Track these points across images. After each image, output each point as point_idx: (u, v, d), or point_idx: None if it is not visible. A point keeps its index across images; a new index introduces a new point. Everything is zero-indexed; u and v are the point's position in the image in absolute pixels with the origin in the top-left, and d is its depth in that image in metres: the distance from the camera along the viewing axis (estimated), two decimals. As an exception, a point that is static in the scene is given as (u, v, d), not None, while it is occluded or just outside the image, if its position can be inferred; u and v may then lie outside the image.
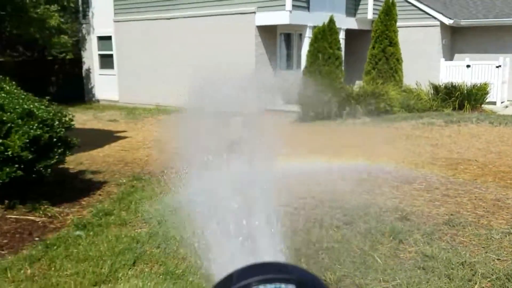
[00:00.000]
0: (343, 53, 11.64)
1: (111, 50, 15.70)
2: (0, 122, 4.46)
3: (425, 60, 14.30)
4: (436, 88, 12.40)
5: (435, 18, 14.69)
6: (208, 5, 13.22)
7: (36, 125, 4.51)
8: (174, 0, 13.88)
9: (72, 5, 17.08)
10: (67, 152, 4.97)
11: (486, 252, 3.62)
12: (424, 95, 12.28)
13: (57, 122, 4.79)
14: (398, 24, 13.01)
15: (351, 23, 14.56)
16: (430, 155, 7.10)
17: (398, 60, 12.76)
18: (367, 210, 4.61)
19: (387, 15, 12.71)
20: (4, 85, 5.24)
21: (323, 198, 5.05)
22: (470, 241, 3.85)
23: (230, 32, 12.77)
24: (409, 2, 15.05)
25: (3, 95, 4.87)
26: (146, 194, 4.98)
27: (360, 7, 14.90)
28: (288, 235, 4.03)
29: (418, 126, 9.71)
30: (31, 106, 4.69)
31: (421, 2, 14.98)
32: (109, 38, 15.70)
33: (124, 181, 5.59)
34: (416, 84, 12.74)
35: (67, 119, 5.04)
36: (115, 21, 15.35)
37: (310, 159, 6.94)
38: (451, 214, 4.46)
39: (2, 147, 4.34)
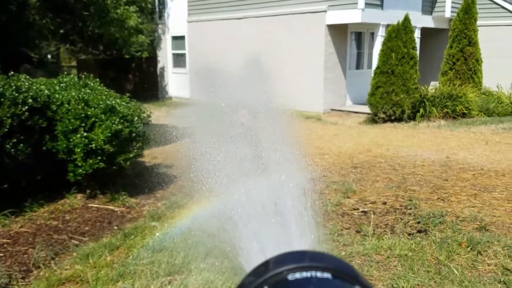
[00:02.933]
0: (418, 52, 11.18)
1: (184, 49, 16.24)
2: (85, 117, 4.77)
3: (507, 61, 13.38)
4: (519, 91, 11.57)
5: (520, 16, 13.70)
6: (279, 4, 13.25)
7: (117, 120, 4.77)
8: (245, 0, 14.07)
9: (149, 6, 17.85)
10: (144, 147, 5.22)
11: None
12: (506, 98, 11.49)
13: (136, 118, 5.04)
14: (478, 22, 12.28)
15: (427, 22, 13.96)
16: (512, 162, 6.64)
17: (478, 61, 12.05)
18: (443, 219, 4.41)
19: (467, 13, 12.04)
20: (89, 82, 5.60)
21: (394, 204, 4.90)
22: None
23: (300, 31, 12.72)
24: (491, 0, 14.15)
25: (87, 91, 5.20)
26: (216, 190, 5.09)
27: (437, 5, 14.24)
28: (358, 240, 3.95)
29: (498, 131, 9.12)
30: (113, 102, 4.97)
31: (503, 0, 14.04)
32: (182, 38, 16.25)
33: (195, 176, 5.75)
34: (497, 86, 11.96)
35: (145, 115, 5.28)
36: (188, 22, 15.85)
37: (377, 158, 6.76)
38: (539, 227, 4.15)
39: (86, 140, 4.64)
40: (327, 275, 0.44)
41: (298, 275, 0.44)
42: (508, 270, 3.37)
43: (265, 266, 0.47)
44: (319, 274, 0.44)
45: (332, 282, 0.44)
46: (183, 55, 16.35)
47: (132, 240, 3.95)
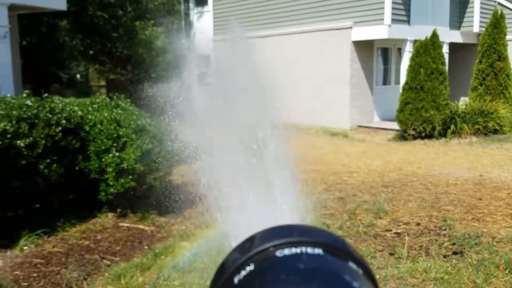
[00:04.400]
0: (447, 68, 11.02)
1: (209, 68, 16.45)
2: (117, 137, 4.85)
3: (540, 75, 13.01)
4: (553, 106, 11.22)
5: (552, 29, 13.36)
6: (304, 22, 13.32)
7: (148, 139, 4.83)
8: (270, 18, 14.21)
9: (176, 26, 18.26)
10: (173, 165, 5.26)
11: None
12: (540, 113, 11.15)
13: (165, 137, 5.09)
14: (508, 37, 12.05)
15: (456, 37, 13.78)
16: (550, 180, 6.40)
17: (508, 76, 11.78)
18: (479, 240, 4.26)
19: (495, 27, 11.83)
20: (120, 102, 5.71)
21: (428, 225, 4.77)
22: None
23: (326, 47, 12.73)
24: (522, 13, 13.89)
25: (119, 111, 5.30)
26: (242, 209, 5.08)
27: (465, 19, 14.06)
28: (392, 263, 3.85)
29: (534, 147, 8.84)
30: (144, 122, 5.05)
31: (536, 12, 13.75)
32: (207, 57, 16.48)
33: (221, 194, 5.76)
34: (530, 101, 11.63)
35: (173, 135, 5.33)
36: (214, 41, 16.09)
37: (408, 179, 6.61)
38: None
39: (118, 160, 4.71)
40: (318, 250, 0.40)
41: (287, 251, 0.40)
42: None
43: (250, 241, 0.42)
44: (309, 250, 0.40)
45: (324, 257, 0.40)
46: (207, 74, 16.56)
47: (162, 260, 3.96)
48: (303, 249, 0.41)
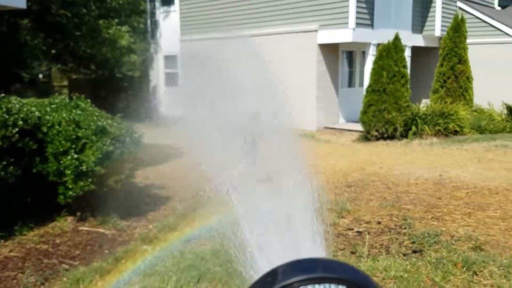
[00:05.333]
0: (409, 70, 11.30)
1: (176, 68, 16.31)
2: (76, 138, 4.72)
3: (498, 79, 13.55)
4: (510, 108, 11.70)
5: (508, 34, 13.93)
6: (271, 24, 13.38)
7: (108, 141, 4.72)
8: (238, 19, 14.20)
9: (141, 26, 17.99)
10: (136, 167, 5.16)
11: None
12: (497, 115, 11.61)
13: (128, 139, 4.99)
14: (468, 41, 12.48)
15: (418, 40, 14.15)
16: (505, 180, 6.65)
17: (468, 79, 12.20)
18: (438, 238, 4.38)
19: (456, 31, 12.24)
20: (80, 103, 5.56)
21: (389, 224, 4.86)
22: (557, 278, 3.53)
23: (293, 50, 12.83)
24: (480, 19, 14.42)
25: (78, 112, 5.16)
26: (209, 211, 5.04)
27: (427, 23, 14.46)
28: (353, 261, 3.91)
29: (491, 148, 9.17)
30: (105, 123, 4.93)
31: (492, 18, 14.30)
32: (174, 57, 16.33)
33: (188, 196, 5.70)
34: (488, 104, 12.08)
35: (137, 135, 5.24)
36: (181, 41, 15.94)
37: (370, 177, 6.74)
38: (533, 246, 4.13)
39: (77, 162, 4.58)
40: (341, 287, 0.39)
41: None
42: (505, 291, 3.33)
43: (272, 276, 0.41)
44: (333, 287, 0.39)
45: None
46: (175, 74, 16.41)
47: (123, 264, 3.87)
48: (327, 286, 0.39)
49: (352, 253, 4.11)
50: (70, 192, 4.62)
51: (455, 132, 10.54)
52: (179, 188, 6.15)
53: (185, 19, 15.83)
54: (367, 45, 12.45)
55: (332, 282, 0.39)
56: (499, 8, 17.22)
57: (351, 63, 13.72)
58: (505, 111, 11.75)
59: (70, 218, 4.94)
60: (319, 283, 0.39)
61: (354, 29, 11.77)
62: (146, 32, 17.67)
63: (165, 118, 16.58)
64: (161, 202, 5.62)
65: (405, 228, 4.67)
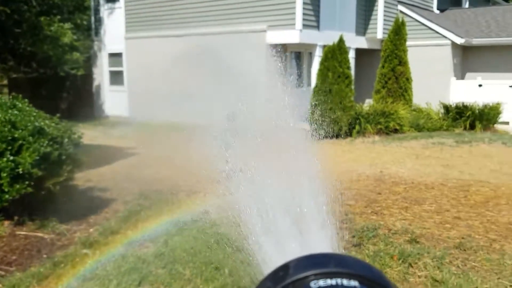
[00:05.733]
0: (353, 71, 11.66)
1: (122, 66, 15.93)
2: (11, 139, 4.51)
3: (435, 79, 14.26)
4: (446, 108, 12.34)
5: (445, 37, 14.69)
6: (219, 23, 13.37)
7: (46, 142, 4.55)
8: (185, 18, 14.07)
9: (85, 23, 17.41)
10: (76, 169, 5.00)
11: (498, 278, 3.54)
12: (434, 114, 12.22)
13: (66, 140, 4.83)
14: (408, 43, 13.04)
15: (361, 42, 14.62)
16: (441, 175, 7.02)
17: (408, 79, 12.75)
18: (376, 232, 4.55)
19: (397, 34, 12.76)
20: (17, 103, 5.31)
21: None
22: (482, 266, 3.77)
23: (242, 50, 12.86)
24: (419, 22, 15.10)
25: (15, 112, 4.93)
26: (153, 213, 4.97)
27: (370, 26, 14.98)
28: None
29: (428, 145, 9.64)
30: (42, 123, 4.74)
31: (431, 21, 15.02)
32: (119, 55, 15.94)
33: (131, 199, 5.59)
34: (426, 103, 12.69)
35: (76, 136, 5.08)
36: (126, 38, 15.58)
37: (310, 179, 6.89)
38: (462, 238, 4.38)
39: (13, 164, 4.38)
40: (354, 283, 0.39)
41: (322, 283, 0.39)
42: (437, 281, 3.52)
43: (284, 270, 0.41)
44: (345, 282, 0.39)
45: None
46: (120, 72, 16.02)
47: (62, 268, 3.75)
48: (339, 280, 0.39)
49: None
50: (6, 196, 4.41)
51: (396, 131, 11.00)
52: (122, 190, 6.02)
53: (130, 16, 15.50)
54: (313, 46, 12.72)
55: (344, 276, 0.40)
56: (437, 12, 18.12)
57: (299, 64, 13.97)
58: (442, 110, 12.38)
59: (6, 223, 4.72)
60: (331, 277, 0.39)
61: (301, 30, 12.00)
62: (90, 29, 17.13)
63: (109, 118, 16.15)
64: (103, 204, 5.48)
65: (346, 223, 4.82)
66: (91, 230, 4.68)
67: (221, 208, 5.13)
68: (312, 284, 0.39)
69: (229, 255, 3.68)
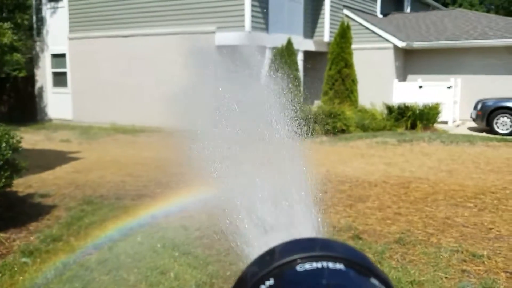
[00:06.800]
0: (301, 74, 11.89)
1: (65, 68, 15.39)
2: None
3: (379, 81, 14.81)
4: (389, 108, 12.84)
5: (388, 41, 15.29)
6: (166, 24, 13.21)
7: (-20, 147, 4.31)
8: (131, 18, 13.79)
9: (26, 22, 16.66)
10: (15, 176, 4.78)
11: (434, 271, 3.72)
12: (379, 115, 12.68)
13: (4, 144, 4.61)
14: (353, 46, 13.46)
15: (309, 45, 14.92)
16: (383, 173, 7.29)
17: (354, 81, 13.16)
18: (321, 229, 4.66)
19: (343, 37, 13.13)
20: None
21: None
22: (420, 259, 3.95)
23: (191, 51, 12.78)
24: (364, 26, 15.62)
25: None
26: (96, 219, 4.84)
27: (317, 29, 15.32)
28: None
29: (373, 145, 9.98)
30: (-24, 127, 4.50)
31: (375, 25, 15.58)
32: (63, 55, 15.39)
33: (74, 205, 5.41)
34: (371, 104, 13.15)
35: (14, 141, 4.85)
36: (70, 39, 15.07)
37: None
38: (402, 233, 4.57)
39: None
40: (339, 265, 0.40)
41: (307, 266, 0.40)
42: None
43: (270, 255, 0.41)
44: (331, 265, 0.39)
45: (346, 273, 0.40)
46: (64, 73, 15.46)
47: (-2, 280, 3.57)
48: (324, 264, 0.39)
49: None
50: None
51: (342, 131, 11.31)
52: (65, 196, 5.82)
53: (74, 16, 15.00)
54: (262, 48, 12.84)
55: (330, 260, 0.40)
56: (381, 16, 18.81)
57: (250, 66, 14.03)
58: (385, 111, 12.87)
59: None
60: (316, 261, 0.40)
61: (250, 32, 12.08)
62: (32, 29, 16.41)
63: (53, 121, 15.54)
64: (44, 211, 5.26)
65: (293, 223, 4.90)
66: (31, 238, 4.49)
67: (169, 212, 5.07)
68: (298, 267, 0.40)
69: (175, 258, 3.65)
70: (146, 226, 4.30)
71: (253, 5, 12.14)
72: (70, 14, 15.04)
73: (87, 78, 14.76)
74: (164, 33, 13.21)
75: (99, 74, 14.47)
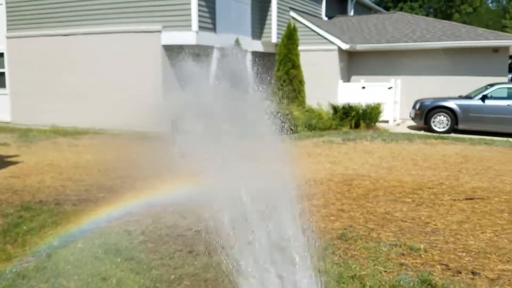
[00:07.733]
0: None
1: (3, 68, 14.63)
2: None
3: (325, 82, 15.19)
4: (334, 108, 13.19)
5: (333, 43, 15.71)
6: (109, 22, 12.86)
7: None
8: (72, 16, 13.32)
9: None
10: None
11: (374, 265, 3.86)
12: (325, 114, 13.00)
13: None
14: (300, 47, 13.72)
15: (257, 46, 15.04)
16: (329, 171, 7.49)
17: (301, 82, 13.41)
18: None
19: (290, 39, 13.35)
20: None
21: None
22: (361, 254, 4.09)
23: (135, 50, 12.53)
24: (309, 28, 15.96)
25: None
26: (35, 225, 4.63)
27: (265, 30, 15.48)
28: (189, 261, 3.98)
29: (319, 144, 10.22)
30: None
31: (320, 28, 15.95)
32: (1, 55, 14.62)
33: (12, 211, 5.16)
34: (317, 104, 13.46)
35: None
36: (8, 38, 14.34)
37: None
38: (345, 229, 4.71)
39: None
40: None
41: None
42: (320, 271, 3.74)
43: None
44: None
45: None
46: (2, 74, 14.70)
47: None
48: None
49: (189, 252, 4.19)
50: None
51: (291, 131, 11.50)
52: (1, 202, 5.53)
53: (12, 14, 14.29)
54: (210, 48, 12.79)
55: None
56: (326, 19, 19.29)
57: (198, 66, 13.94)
58: (331, 111, 13.22)
59: None
60: None
61: (197, 32, 12.00)
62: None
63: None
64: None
65: (239, 223, 4.92)
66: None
67: (112, 217, 4.94)
68: None
69: (117, 264, 3.57)
70: (88, 232, 4.17)
71: (199, 5, 12.07)
72: (7, 12, 14.31)
73: (27, 78, 14.10)
74: (107, 32, 12.85)
75: (39, 74, 13.87)
